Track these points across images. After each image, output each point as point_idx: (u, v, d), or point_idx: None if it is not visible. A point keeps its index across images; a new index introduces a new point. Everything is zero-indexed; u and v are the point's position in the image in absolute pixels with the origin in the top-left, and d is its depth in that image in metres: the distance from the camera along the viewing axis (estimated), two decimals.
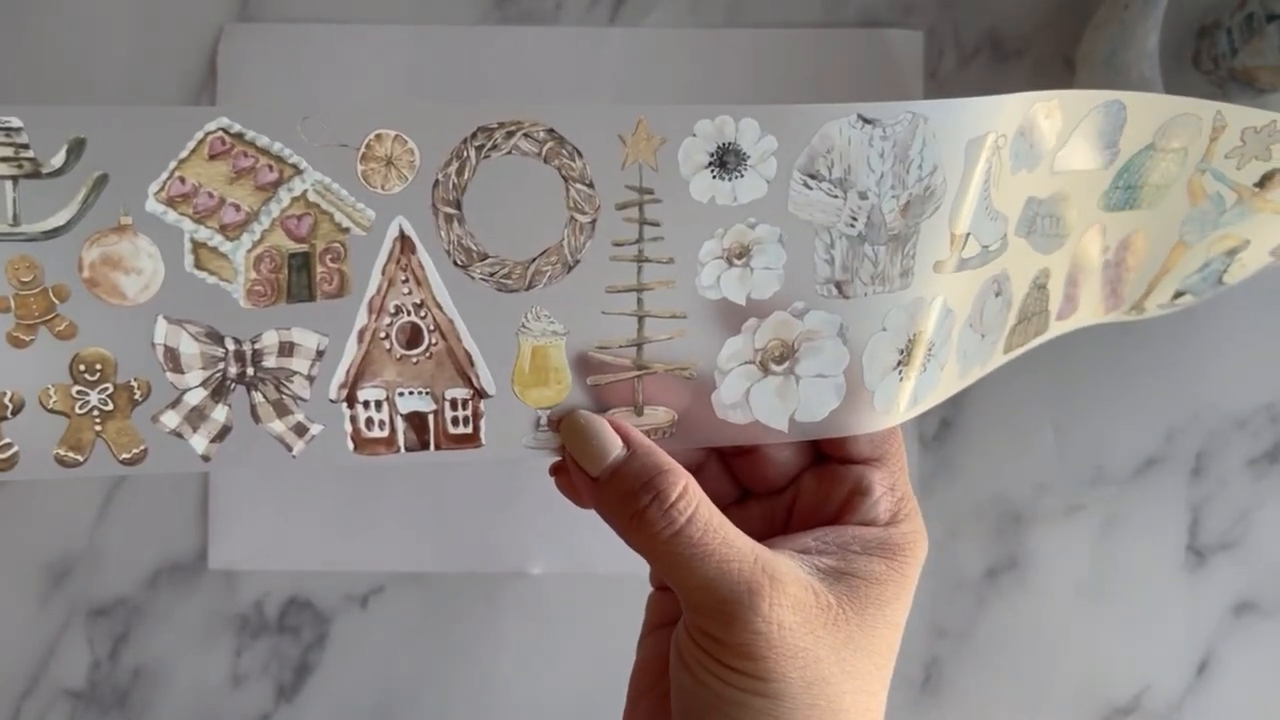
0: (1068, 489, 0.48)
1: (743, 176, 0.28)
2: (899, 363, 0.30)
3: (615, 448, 0.29)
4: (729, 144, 0.28)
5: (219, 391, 0.28)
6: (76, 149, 0.26)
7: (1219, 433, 0.48)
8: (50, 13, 0.48)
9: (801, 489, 0.32)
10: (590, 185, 0.28)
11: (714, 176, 0.28)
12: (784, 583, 0.27)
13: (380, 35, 0.48)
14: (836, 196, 0.28)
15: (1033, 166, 0.31)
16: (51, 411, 0.27)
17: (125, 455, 0.28)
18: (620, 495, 0.28)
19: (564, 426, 0.29)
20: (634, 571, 0.34)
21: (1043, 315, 0.34)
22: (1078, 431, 0.48)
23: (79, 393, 0.27)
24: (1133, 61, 0.40)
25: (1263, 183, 0.35)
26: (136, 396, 0.28)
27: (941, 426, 0.48)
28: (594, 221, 0.28)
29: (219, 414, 0.28)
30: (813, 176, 0.28)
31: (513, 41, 0.48)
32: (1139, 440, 0.48)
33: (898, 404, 0.31)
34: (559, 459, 0.30)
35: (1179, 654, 0.48)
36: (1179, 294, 0.39)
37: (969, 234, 0.30)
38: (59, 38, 0.48)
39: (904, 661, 0.48)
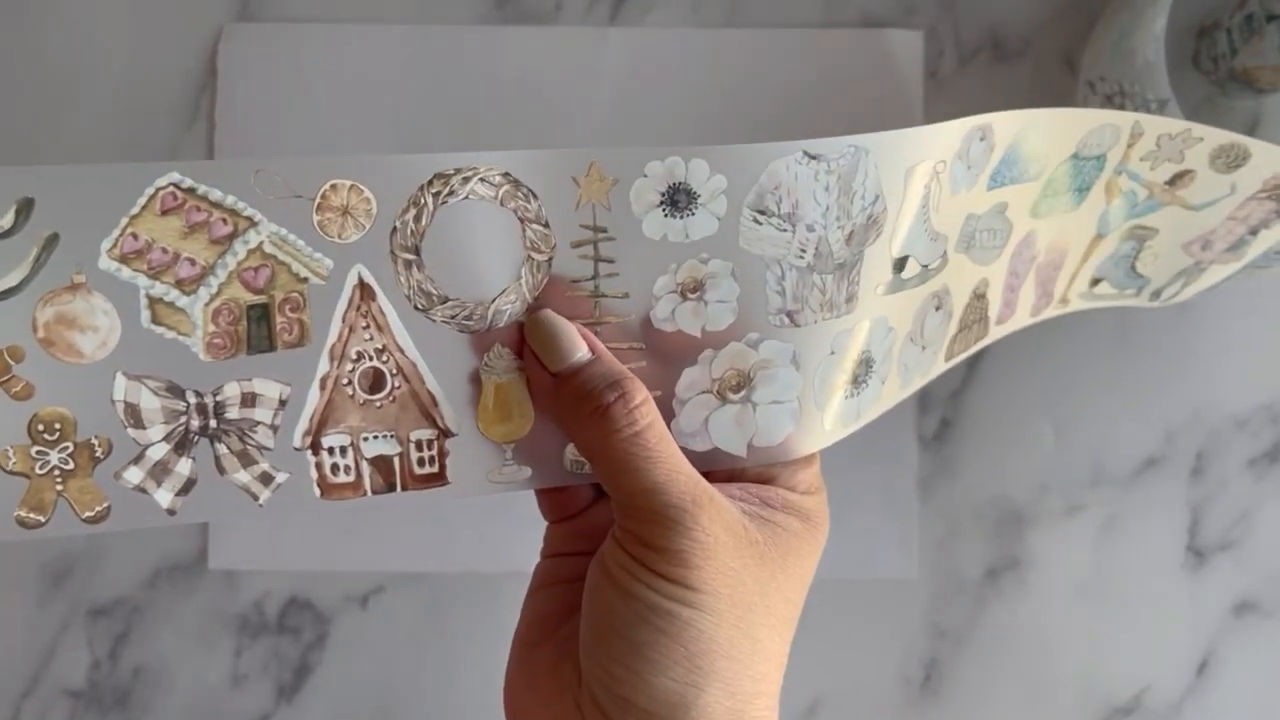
0: (1068, 489, 0.48)
1: (693, 214, 0.29)
2: (846, 382, 0.31)
3: (581, 349, 0.29)
4: (679, 184, 0.28)
5: (182, 445, 0.28)
6: (25, 209, 0.26)
7: (1219, 433, 0.48)
8: (50, 13, 0.48)
9: None
10: (546, 225, 0.28)
11: (665, 215, 0.29)
12: (720, 506, 0.28)
13: (380, 35, 0.48)
14: (785, 230, 0.29)
15: (970, 186, 0.31)
16: (11, 473, 0.27)
17: (88, 514, 0.28)
18: (584, 391, 0.29)
19: (530, 322, 0.29)
20: None
21: (982, 322, 0.36)
22: (1078, 431, 0.48)
23: (39, 453, 0.27)
24: (1139, 46, 0.41)
25: (1173, 181, 0.36)
26: (98, 454, 0.28)
27: (941, 426, 0.49)
28: (550, 260, 0.29)
29: (183, 467, 0.28)
30: (762, 212, 0.29)
31: (513, 41, 0.48)
32: (1139, 440, 0.49)
33: (844, 420, 0.32)
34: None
35: (1179, 654, 0.48)
36: (1096, 280, 0.40)
37: (908, 256, 0.31)
38: (58, 38, 0.48)
39: (904, 661, 0.49)
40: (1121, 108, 0.42)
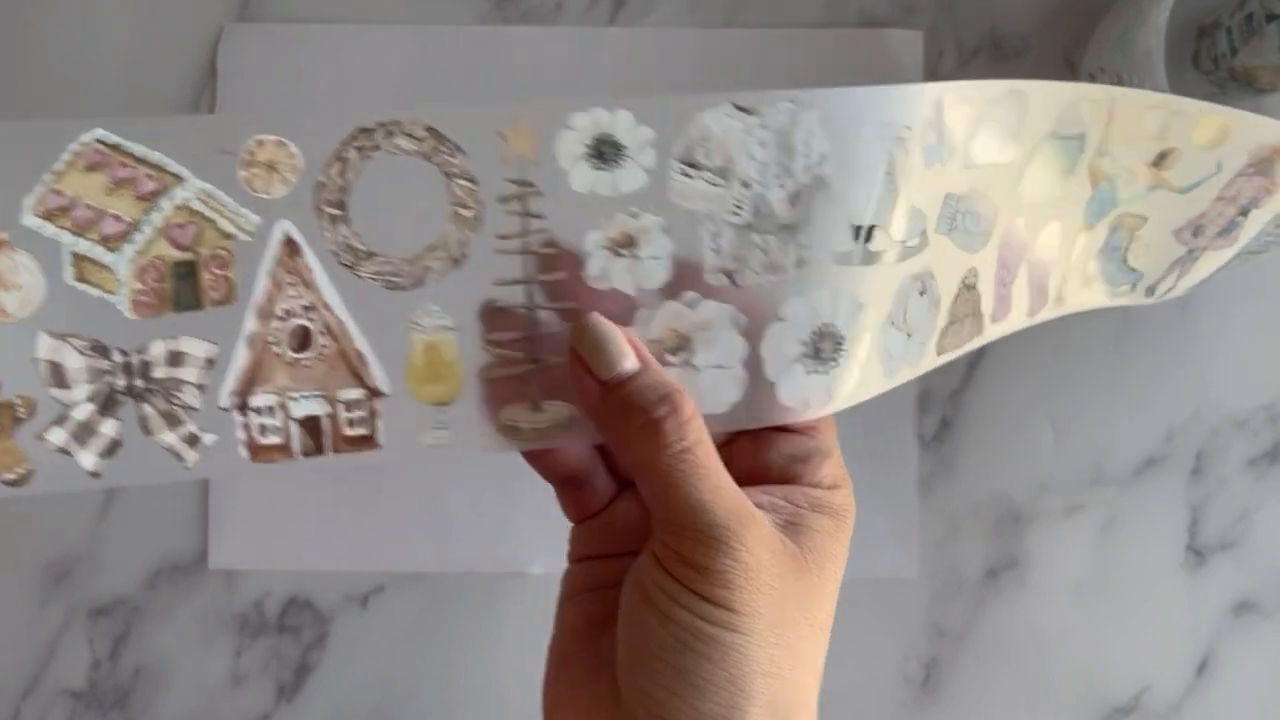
0: (1068, 489, 0.48)
1: (621, 167, 0.28)
2: (804, 355, 0.30)
3: (629, 357, 0.29)
4: (605, 135, 0.28)
5: (107, 405, 0.28)
6: None
7: (1219, 433, 0.48)
8: (49, 13, 0.48)
9: (735, 455, 0.32)
10: (472, 181, 0.28)
11: (593, 168, 0.28)
12: (759, 522, 0.28)
13: (380, 35, 0.48)
14: (718, 185, 0.28)
15: (945, 160, 0.30)
16: None
17: (9, 476, 0.27)
18: (634, 403, 0.28)
19: (577, 329, 0.29)
20: None
21: (976, 317, 0.34)
22: (1078, 431, 0.48)
23: None
24: (1141, 38, 0.40)
25: (1158, 161, 0.36)
26: (20, 414, 0.27)
27: (941, 426, 0.49)
28: (478, 216, 0.28)
29: (108, 428, 0.28)
30: (692, 165, 0.28)
31: (513, 41, 0.48)
32: (1139, 440, 0.48)
33: (810, 397, 0.31)
34: (531, 447, 0.30)
35: (1179, 654, 0.48)
36: (1090, 278, 0.39)
37: (875, 226, 0.30)
38: (58, 38, 0.48)
39: (904, 661, 0.49)
40: None
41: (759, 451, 0.31)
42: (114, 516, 0.48)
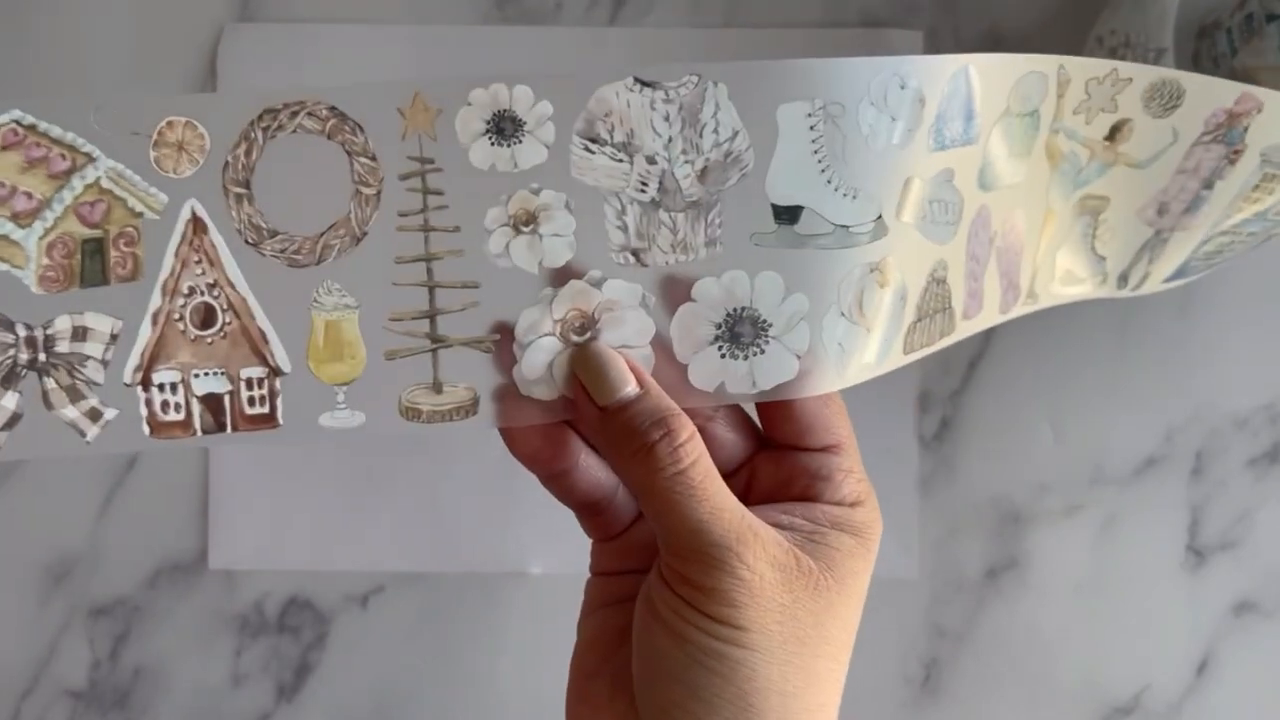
0: (1068, 489, 0.48)
1: (521, 142, 0.28)
2: (718, 337, 0.30)
3: (629, 383, 0.29)
4: (504, 111, 0.28)
5: (9, 378, 0.28)
6: None
7: (1219, 433, 0.48)
8: (50, 12, 0.48)
9: (756, 474, 0.32)
10: (373, 158, 0.28)
11: (492, 143, 0.28)
12: (765, 541, 0.28)
13: (380, 35, 0.48)
14: (621, 160, 0.28)
15: (905, 142, 0.29)
16: None
17: None
18: (630, 429, 0.28)
19: (578, 355, 0.29)
20: None
21: (946, 313, 0.33)
22: (1077, 431, 0.48)
23: None
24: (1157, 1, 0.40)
25: (1112, 135, 0.34)
26: None
27: (941, 426, 0.49)
28: (379, 193, 0.28)
29: (9, 401, 0.28)
30: (594, 140, 0.28)
31: (513, 41, 0.48)
32: (1139, 440, 0.49)
33: (722, 382, 0.30)
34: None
35: (1179, 654, 0.48)
36: (1058, 270, 0.38)
37: (802, 207, 0.29)
38: (59, 37, 0.48)
39: (904, 661, 0.49)
40: (1124, 59, 0.41)
41: (780, 470, 0.31)
42: (114, 516, 0.48)
